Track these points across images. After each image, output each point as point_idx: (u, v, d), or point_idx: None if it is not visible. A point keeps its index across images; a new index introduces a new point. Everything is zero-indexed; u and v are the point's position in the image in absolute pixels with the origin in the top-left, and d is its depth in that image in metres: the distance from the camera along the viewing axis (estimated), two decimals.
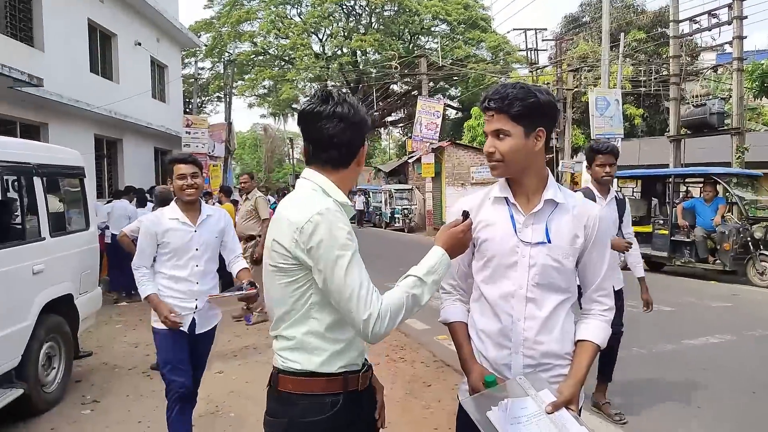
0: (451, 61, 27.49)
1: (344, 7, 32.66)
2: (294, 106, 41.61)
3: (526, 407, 1.53)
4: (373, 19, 33.09)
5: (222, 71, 30.13)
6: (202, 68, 34.24)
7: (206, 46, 31.82)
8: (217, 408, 4.14)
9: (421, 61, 20.97)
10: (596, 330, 1.68)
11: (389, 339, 5.68)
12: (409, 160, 22.90)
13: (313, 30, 32.96)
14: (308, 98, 1.56)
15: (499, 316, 1.66)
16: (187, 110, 21.17)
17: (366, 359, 1.64)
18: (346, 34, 32.37)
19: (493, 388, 1.57)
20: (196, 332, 3.06)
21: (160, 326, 2.97)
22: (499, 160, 1.62)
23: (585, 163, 4.22)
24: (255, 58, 32.82)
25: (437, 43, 30.76)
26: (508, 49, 29.46)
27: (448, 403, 4.08)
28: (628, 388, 4.37)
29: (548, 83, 21.73)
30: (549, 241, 1.63)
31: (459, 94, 35.65)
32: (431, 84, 33.43)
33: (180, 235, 3.00)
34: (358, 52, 33.31)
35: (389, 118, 39.01)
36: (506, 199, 1.69)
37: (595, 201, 3.43)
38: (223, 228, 3.21)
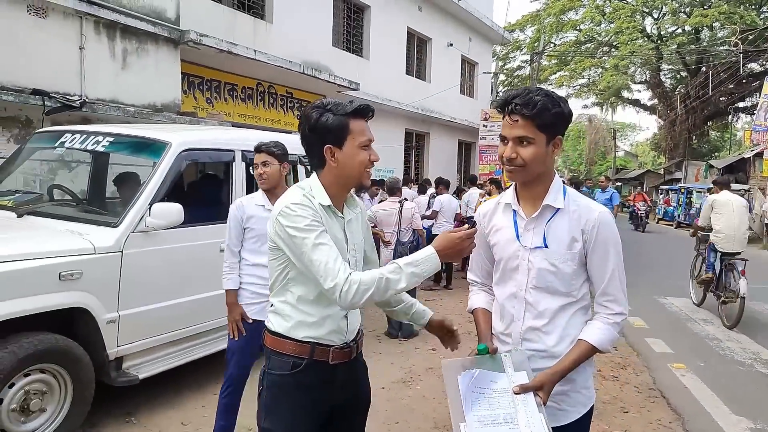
0: None
1: None
2: (624, 94, 38.85)
3: (497, 382, 1.61)
4: None
5: (544, 63, 30.24)
6: (525, 61, 34.97)
7: (530, 38, 32.31)
8: (411, 378, 4.59)
9: None
10: (594, 330, 1.66)
11: (611, 355, 5.15)
12: (745, 155, 18.85)
13: (647, 11, 29.86)
14: None
15: (504, 315, 1.78)
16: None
17: (350, 341, 1.83)
18: (687, 10, 28.26)
19: (481, 357, 1.68)
20: None
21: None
22: (520, 166, 1.66)
23: None
24: (577, 47, 31.66)
25: None
26: None
27: None
28: None
29: None
30: (546, 246, 1.68)
31: None
32: None
33: (263, 221, 2.93)
34: (705, 29, 28.66)
35: (741, 104, 32.51)
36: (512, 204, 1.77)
37: None
38: None
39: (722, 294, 6.43)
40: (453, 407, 1.59)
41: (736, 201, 6.59)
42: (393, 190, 5.88)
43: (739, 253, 6.43)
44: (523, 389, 1.57)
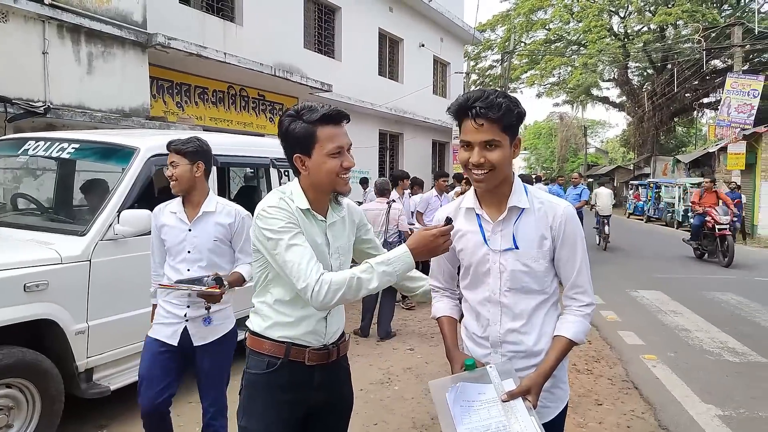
0: None
1: None
2: (593, 92, 39.55)
3: (484, 393, 1.59)
4: None
5: (515, 62, 30.63)
6: (496, 60, 35.32)
7: (501, 38, 32.66)
8: (389, 379, 4.59)
9: (734, 30, 17.38)
10: (569, 325, 1.68)
11: (584, 348, 5.25)
12: (710, 150, 19.38)
13: (613, 10, 30.47)
14: None
15: (479, 319, 1.76)
16: None
17: (329, 343, 1.83)
18: (652, 9, 28.93)
19: (470, 371, 1.63)
20: (195, 345, 2.59)
21: (151, 334, 2.65)
22: (490, 170, 1.61)
23: None
24: (547, 46, 32.13)
25: None
26: None
27: (608, 427, 3.67)
28: None
29: None
30: (516, 247, 1.67)
31: None
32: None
33: (174, 232, 2.62)
34: (669, 27, 29.37)
35: (706, 100, 33.41)
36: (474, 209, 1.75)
37: None
38: (228, 229, 2.67)
39: (603, 236, 13.02)
40: (444, 424, 1.57)
41: (606, 190, 13.28)
42: (382, 191, 5.95)
43: (608, 216, 12.83)
44: (511, 396, 1.56)
